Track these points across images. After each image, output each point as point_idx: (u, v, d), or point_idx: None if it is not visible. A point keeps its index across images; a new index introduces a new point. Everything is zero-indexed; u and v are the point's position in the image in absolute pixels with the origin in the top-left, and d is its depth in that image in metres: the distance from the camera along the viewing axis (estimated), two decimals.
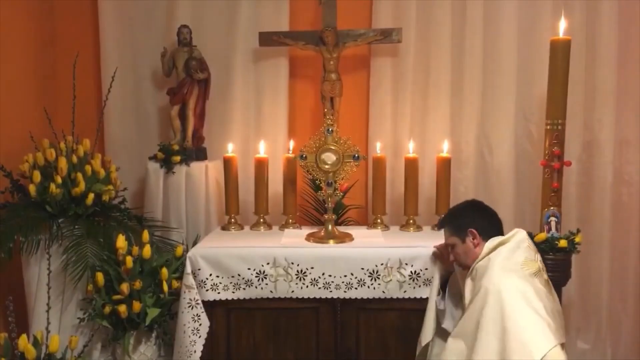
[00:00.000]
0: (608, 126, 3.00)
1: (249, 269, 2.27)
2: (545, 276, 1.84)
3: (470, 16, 3.02)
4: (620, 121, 3.02)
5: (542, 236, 2.41)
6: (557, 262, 2.40)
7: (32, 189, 2.38)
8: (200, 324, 2.24)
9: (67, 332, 2.35)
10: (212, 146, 3.10)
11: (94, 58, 3.19)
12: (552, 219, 2.44)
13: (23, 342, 2.08)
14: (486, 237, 1.91)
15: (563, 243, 2.38)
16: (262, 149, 2.74)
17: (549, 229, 2.43)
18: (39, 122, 2.81)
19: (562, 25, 2.42)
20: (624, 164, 3.04)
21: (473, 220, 1.96)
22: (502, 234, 1.94)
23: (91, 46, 3.20)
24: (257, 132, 3.16)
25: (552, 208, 2.44)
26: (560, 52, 2.38)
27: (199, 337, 2.24)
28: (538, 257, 1.87)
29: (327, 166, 2.41)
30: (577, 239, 2.43)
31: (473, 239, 1.93)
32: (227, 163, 2.70)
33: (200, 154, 2.98)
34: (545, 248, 2.40)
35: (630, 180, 3.03)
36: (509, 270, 1.78)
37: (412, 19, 3.06)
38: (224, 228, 2.70)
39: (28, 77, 2.95)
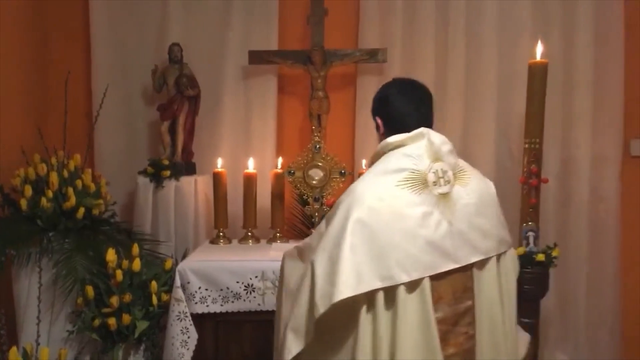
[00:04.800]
0: (584, 144, 3.13)
1: (237, 282, 2.32)
2: (441, 190, 1.54)
3: (452, 39, 3.15)
4: (597, 139, 3.14)
5: (520, 250, 2.50)
6: (535, 276, 2.49)
7: (23, 203, 2.41)
8: (188, 337, 2.28)
9: (56, 345, 2.36)
10: (200, 161, 3.16)
11: (85, 74, 3.24)
12: (530, 233, 2.53)
13: (13, 354, 2.10)
14: (390, 131, 1.64)
15: (540, 257, 2.47)
16: (251, 165, 2.80)
17: (527, 244, 2.52)
18: (30, 137, 2.85)
19: (539, 49, 2.54)
20: (600, 180, 3.16)
21: (381, 104, 1.70)
22: (422, 123, 1.62)
23: (82, 63, 3.25)
24: (245, 147, 3.23)
25: (530, 223, 2.54)
26: (537, 75, 2.49)
27: (187, 349, 2.27)
28: (440, 166, 1.56)
29: (314, 182, 2.49)
30: (554, 253, 2.53)
31: (377, 128, 1.70)
32: (217, 178, 2.76)
33: (189, 169, 3.04)
34: (523, 262, 2.48)
35: (606, 197, 3.14)
36: (380, 177, 1.55)
37: (397, 40, 3.17)
38: (212, 242, 2.75)
39: (20, 92, 2.98)
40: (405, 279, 1.45)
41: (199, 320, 2.31)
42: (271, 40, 3.19)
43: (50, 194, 2.42)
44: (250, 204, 2.77)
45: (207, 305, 2.31)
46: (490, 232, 1.61)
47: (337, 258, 1.45)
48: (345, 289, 1.41)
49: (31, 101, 3.09)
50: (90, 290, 2.32)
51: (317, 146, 2.52)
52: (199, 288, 2.31)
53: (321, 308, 1.44)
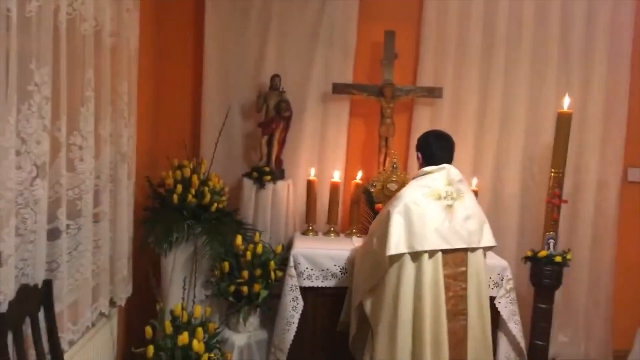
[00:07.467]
0: (592, 171, 3.94)
1: (335, 265, 3.12)
2: (448, 202, 2.60)
3: (493, 80, 3.92)
4: (602, 167, 3.96)
5: (543, 253, 3.30)
6: (553, 272, 3.30)
7: (175, 198, 3.16)
8: (297, 303, 3.08)
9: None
10: (286, 167, 3.93)
11: (194, 94, 4.01)
12: (551, 241, 3.33)
13: (177, 308, 2.89)
14: (426, 163, 2.73)
15: (558, 259, 3.28)
16: (337, 176, 3.60)
17: (548, 248, 3.33)
18: (161, 144, 3.74)
19: (567, 101, 3.34)
20: (602, 200, 3.98)
21: (422, 146, 2.80)
22: (445, 161, 2.70)
23: (193, 85, 4.02)
24: (320, 158, 4.00)
25: (551, 233, 3.34)
26: (564, 121, 3.29)
27: (296, 312, 3.07)
28: (450, 189, 2.62)
29: (391, 193, 3.28)
30: (568, 257, 3.33)
31: (417, 158, 2.81)
32: (310, 184, 3.57)
33: (280, 174, 3.81)
34: (545, 261, 3.30)
35: (607, 214, 3.96)
36: (415, 189, 2.64)
37: (449, 79, 3.95)
38: (303, 233, 3.54)
39: (147, 106, 3.75)
40: (420, 249, 2.52)
41: (305, 292, 3.11)
42: (347, 73, 3.96)
43: (193, 191, 3.19)
44: (335, 206, 3.56)
45: (312, 281, 3.11)
46: (474, 232, 2.64)
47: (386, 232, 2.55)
48: (389, 250, 2.53)
49: (151, 114, 3.88)
50: (226, 265, 3.10)
51: (394, 165, 3.31)
52: (307, 268, 3.11)
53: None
